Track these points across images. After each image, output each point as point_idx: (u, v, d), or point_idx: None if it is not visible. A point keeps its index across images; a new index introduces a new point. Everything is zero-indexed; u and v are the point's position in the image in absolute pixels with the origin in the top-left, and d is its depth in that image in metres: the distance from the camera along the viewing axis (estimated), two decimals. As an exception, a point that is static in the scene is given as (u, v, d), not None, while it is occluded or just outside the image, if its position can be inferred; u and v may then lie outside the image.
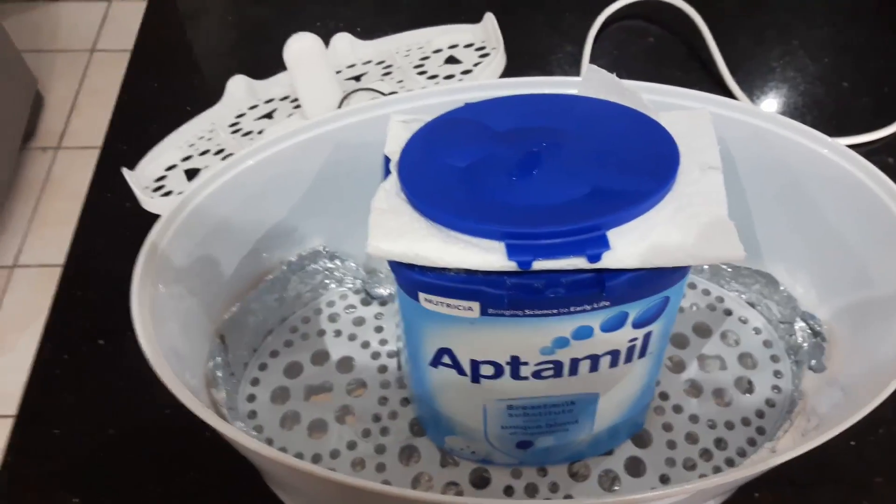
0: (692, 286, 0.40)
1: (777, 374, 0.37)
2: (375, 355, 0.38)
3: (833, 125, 0.51)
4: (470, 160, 0.26)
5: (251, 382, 0.37)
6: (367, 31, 0.56)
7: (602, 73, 0.29)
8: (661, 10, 0.57)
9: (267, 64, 0.53)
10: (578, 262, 0.24)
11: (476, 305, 0.25)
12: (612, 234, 0.24)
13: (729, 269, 0.38)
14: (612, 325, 0.26)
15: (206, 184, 0.31)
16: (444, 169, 0.26)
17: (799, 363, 0.36)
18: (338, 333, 0.38)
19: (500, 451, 0.33)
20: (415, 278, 0.25)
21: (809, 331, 0.35)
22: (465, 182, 0.25)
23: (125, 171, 0.47)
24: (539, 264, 0.24)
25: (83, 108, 1.54)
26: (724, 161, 0.27)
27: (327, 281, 0.39)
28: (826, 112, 0.52)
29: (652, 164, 0.26)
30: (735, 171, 0.35)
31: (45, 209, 1.38)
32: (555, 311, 0.25)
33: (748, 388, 0.36)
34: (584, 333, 0.26)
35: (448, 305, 0.25)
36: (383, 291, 0.39)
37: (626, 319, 0.26)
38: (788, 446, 0.28)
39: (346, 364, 0.37)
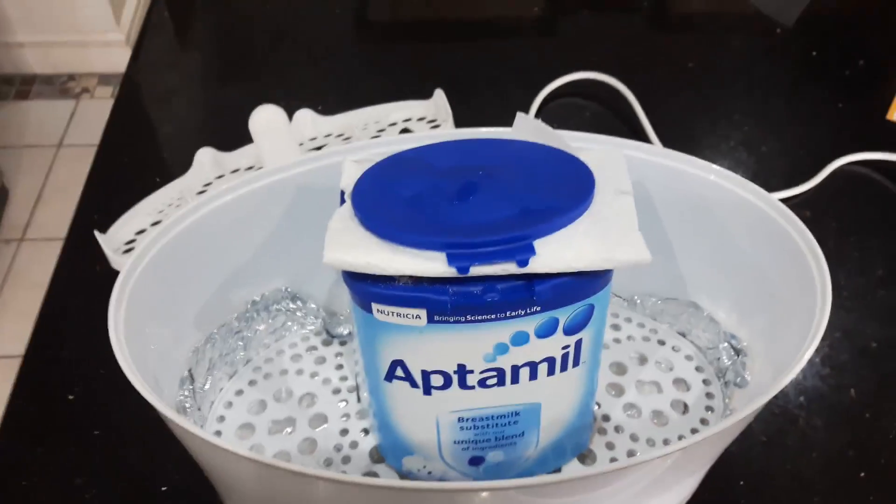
0: (628, 320, 0.43)
1: (709, 395, 0.40)
2: (336, 391, 0.40)
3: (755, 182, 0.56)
4: (415, 191, 0.30)
5: (217, 419, 0.39)
6: (327, 109, 0.61)
7: (530, 119, 0.34)
8: (595, 87, 0.63)
9: (233, 139, 0.57)
10: (510, 268, 0.27)
11: (423, 313, 0.28)
12: (538, 244, 0.27)
13: (659, 302, 0.42)
14: (545, 331, 0.29)
15: (175, 224, 0.34)
16: (392, 197, 0.30)
17: (727, 383, 0.39)
18: (300, 372, 0.41)
19: (455, 469, 0.35)
20: (367, 290, 0.28)
21: (732, 350, 0.39)
22: (411, 207, 0.29)
23: (97, 234, 0.50)
24: (475, 270, 0.27)
25: (48, 201, 1.56)
26: (644, 202, 0.31)
27: (289, 323, 0.42)
28: (748, 171, 0.58)
29: (572, 188, 0.30)
30: (655, 210, 0.39)
31: (6, 300, 1.38)
32: (493, 315, 0.28)
33: (684, 409, 0.39)
34: (520, 339, 0.29)
35: (398, 315, 0.28)
36: (343, 331, 0.42)
37: (557, 325, 0.29)
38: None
39: (308, 400, 0.40)
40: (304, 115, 0.59)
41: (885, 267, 0.54)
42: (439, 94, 0.58)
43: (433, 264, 0.27)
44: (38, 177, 1.60)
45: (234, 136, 0.56)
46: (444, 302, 0.28)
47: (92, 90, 1.79)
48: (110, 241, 0.51)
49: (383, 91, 0.63)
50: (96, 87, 1.79)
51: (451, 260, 0.27)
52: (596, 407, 0.39)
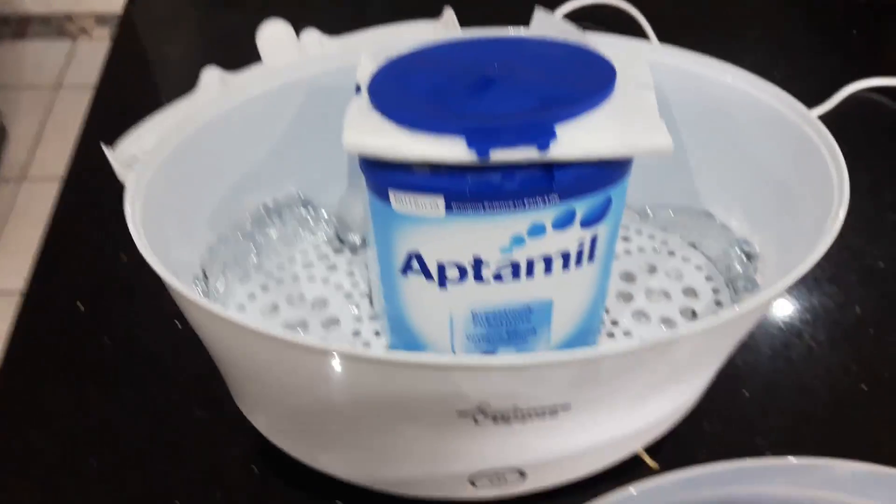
0: (639, 232, 0.43)
1: (718, 303, 0.40)
2: (348, 295, 0.40)
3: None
4: (432, 82, 0.30)
5: (231, 323, 0.39)
6: (334, 31, 0.60)
7: (550, 15, 0.33)
8: (608, 13, 0.63)
9: (239, 61, 0.56)
10: (530, 153, 0.27)
11: (441, 201, 0.28)
12: (559, 129, 0.27)
13: (671, 212, 0.42)
14: (562, 223, 0.30)
15: (188, 122, 0.34)
16: (409, 88, 0.29)
17: (737, 291, 0.39)
18: (311, 278, 0.41)
19: (467, 368, 0.36)
20: (386, 177, 0.28)
21: (744, 255, 0.39)
22: (429, 96, 0.29)
23: (105, 148, 0.50)
24: (495, 154, 0.27)
25: (48, 141, 1.55)
26: (659, 106, 0.30)
27: (301, 230, 0.42)
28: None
29: (594, 80, 0.29)
30: (671, 116, 0.39)
31: (7, 238, 1.38)
32: (511, 204, 0.28)
33: (692, 315, 0.40)
34: (538, 230, 0.30)
35: (416, 203, 0.28)
36: (355, 239, 0.42)
37: (574, 217, 0.30)
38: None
39: (320, 304, 0.40)
40: (312, 35, 0.58)
41: (893, 191, 0.54)
42: (449, 13, 0.57)
43: (453, 149, 0.27)
44: (38, 117, 1.58)
45: (241, 58, 0.55)
46: (463, 189, 0.28)
47: (90, 30, 1.76)
48: (118, 157, 0.51)
49: (392, 11, 0.62)
50: (94, 28, 1.76)
51: (471, 143, 0.27)
52: (605, 313, 0.40)
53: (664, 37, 0.60)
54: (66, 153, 0.55)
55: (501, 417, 0.29)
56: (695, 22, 0.65)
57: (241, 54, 0.54)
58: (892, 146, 0.57)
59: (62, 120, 1.59)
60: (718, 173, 0.40)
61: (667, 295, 0.40)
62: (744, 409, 0.42)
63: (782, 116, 0.35)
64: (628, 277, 0.41)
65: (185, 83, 0.56)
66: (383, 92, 0.29)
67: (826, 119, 0.58)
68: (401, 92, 0.29)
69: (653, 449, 0.38)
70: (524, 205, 0.28)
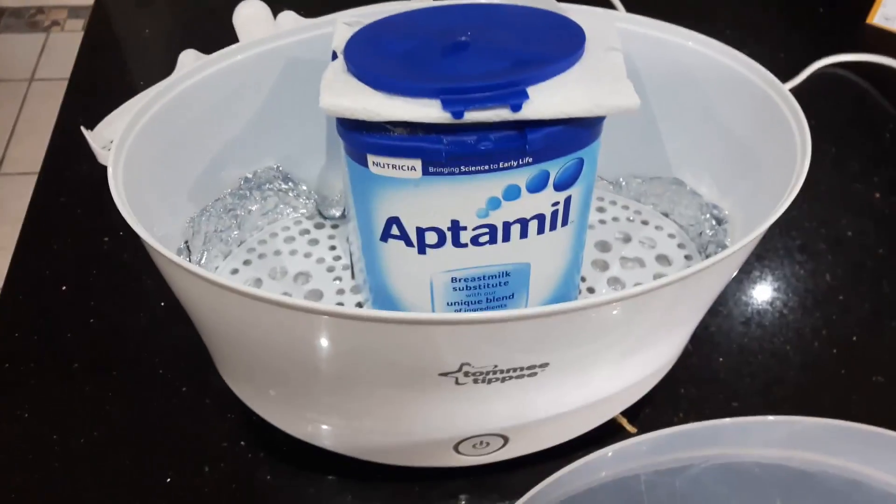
0: (613, 203, 0.44)
1: (690, 270, 0.41)
2: (330, 269, 0.41)
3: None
4: (407, 47, 0.30)
5: (213, 297, 0.39)
6: (310, 13, 0.60)
7: (521, -16, 0.34)
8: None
9: (216, 44, 0.56)
10: (503, 113, 0.28)
11: (418, 164, 0.29)
12: (531, 90, 0.28)
13: (643, 182, 0.43)
14: (536, 185, 0.30)
15: (166, 90, 0.34)
16: (384, 52, 0.30)
17: (709, 256, 0.40)
18: (294, 252, 0.41)
19: (447, 335, 0.36)
20: (363, 140, 0.29)
21: (714, 220, 0.40)
22: (404, 60, 0.29)
23: (84, 130, 0.50)
24: (470, 115, 0.27)
25: (22, 135, 1.53)
26: (629, 75, 0.31)
27: (282, 206, 0.42)
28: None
29: (563, 43, 0.30)
30: (640, 86, 0.39)
31: (-17, 234, 1.37)
32: (486, 166, 0.29)
33: (666, 283, 0.41)
34: (513, 193, 0.30)
35: (393, 167, 0.29)
36: (335, 213, 0.42)
37: (548, 179, 0.30)
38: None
39: (303, 278, 0.40)
40: (287, 16, 0.59)
41: (860, 163, 0.55)
42: (424, -6, 0.58)
43: (428, 110, 0.27)
44: (11, 111, 1.56)
45: (218, 41, 0.56)
46: (439, 150, 0.28)
47: (62, 23, 1.74)
48: (97, 138, 0.51)
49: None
50: (66, 20, 1.74)
51: (446, 105, 0.27)
52: (581, 281, 0.40)
53: (634, 12, 0.61)
54: (41, 148, 0.55)
55: (482, 378, 0.30)
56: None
57: (219, 36, 0.54)
58: (858, 120, 0.59)
59: (36, 114, 1.57)
60: (688, 140, 0.41)
61: (641, 263, 0.41)
62: (718, 374, 0.43)
63: (748, 81, 0.36)
64: (603, 247, 0.42)
65: (162, 68, 0.56)
66: (359, 56, 0.30)
67: (795, 94, 0.59)
68: (376, 56, 0.30)
69: (631, 413, 0.39)
70: (499, 167, 0.29)
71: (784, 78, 0.59)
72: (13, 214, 1.32)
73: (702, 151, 0.40)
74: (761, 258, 0.49)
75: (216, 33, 0.54)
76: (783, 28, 0.66)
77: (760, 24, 0.66)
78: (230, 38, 0.51)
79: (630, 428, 0.40)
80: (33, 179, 0.53)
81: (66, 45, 1.70)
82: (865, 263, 0.49)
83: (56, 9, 1.75)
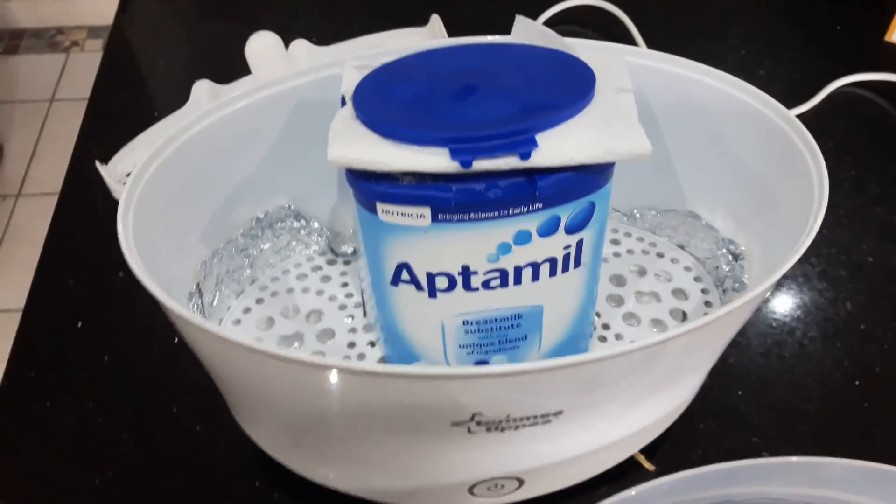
0: (628, 234, 0.44)
1: (707, 304, 0.41)
2: (342, 307, 0.41)
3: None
4: (415, 92, 0.30)
5: (226, 336, 0.39)
6: (323, 40, 0.61)
7: (530, 22, 0.34)
8: (592, 14, 0.63)
9: (230, 73, 0.57)
10: (512, 161, 0.27)
11: (427, 211, 0.29)
12: (540, 137, 0.28)
13: (658, 214, 0.43)
14: (547, 230, 0.30)
15: (178, 135, 0.34)
16: (392, 98, 0.30)
17: (725, 291, 0.40)
18: (306, 290, 0.41)
19: (460, 375, 0.36)
20: (372, 189, 0.28)
21: (730, 256, 0.39)
22: (412, 107, 0.29)
23: (98, 165, 0.50)
24: (478, 164, 0.27)
25: (43, 156, 1.55)
26: (642, 110, 0.31)
27: (294, 243, 0.42)
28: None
29: (573, 86, 0.30)
30: (654, 119, 0.39)
31: (5, 256, 1.39)
32: (496, 213, 0.29)
33: (682, 317, 0.40)
34: (523, 238, 0.30)
35: (403, 214, 0.29)
36: (347, 249, 0.42)
37: (559, 224, 0.30)
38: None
39: (315, 316, 0.40)
40: (300, 45, 0.59)
41: (881, 185, 0.54)
42: (435, 20, 0.58)
43: (437, 159, 0.27)
44: (33, 132, 1.59)
45: (231, 69, 0.56)
46: (448, 199, 0.28)
47: (81, 43, 1.76)
48: (111, 173, 0.51)
49: (379, 20, 0.62)
50: (86, 41, 1.77)
51: (455, 154, 0.27)
52: (596, 317, 0.40)
53: (648, 36, 0.61)
54: (62, 168, 0.55)
55: (495, 426, 0.30)
56: (679, 21, 0.66)
57: (232, 64, 0.54)
58: (876, 141, 0.58)
59: (57, 134, 1.59)
60: (702, 174, 0.40)
61: (657, 297, 0.41)
62: (738, 408, 0.42)
63: (762, 116, 0.35)
64: (618, 281, 0.42)
65: (177, 94, 0.56)
66: (367, 103, 0.30)
67: (812, 115, 0.59)
68: (384, 102, 0.30)
69: (649, 451, 0.39)
70: (509, 213, 0.29)
71: (801, 98, 0.58)
72: (34, 235, 1.34)
73: (716, 185, 0.39)
74: (780, 286, 0.48)
75: (230, 60, 0.55)
76: (800, 47, 0.65)
77: (777, 43, 0.65)
78: (244, 64, 0.51)
79: (648, 466, 0.39)
80: (55, 200, 0.54)
81: (86, 65, 1.72)
82: (887, 290, 0.48)
83: (75, 29, 1.78)
